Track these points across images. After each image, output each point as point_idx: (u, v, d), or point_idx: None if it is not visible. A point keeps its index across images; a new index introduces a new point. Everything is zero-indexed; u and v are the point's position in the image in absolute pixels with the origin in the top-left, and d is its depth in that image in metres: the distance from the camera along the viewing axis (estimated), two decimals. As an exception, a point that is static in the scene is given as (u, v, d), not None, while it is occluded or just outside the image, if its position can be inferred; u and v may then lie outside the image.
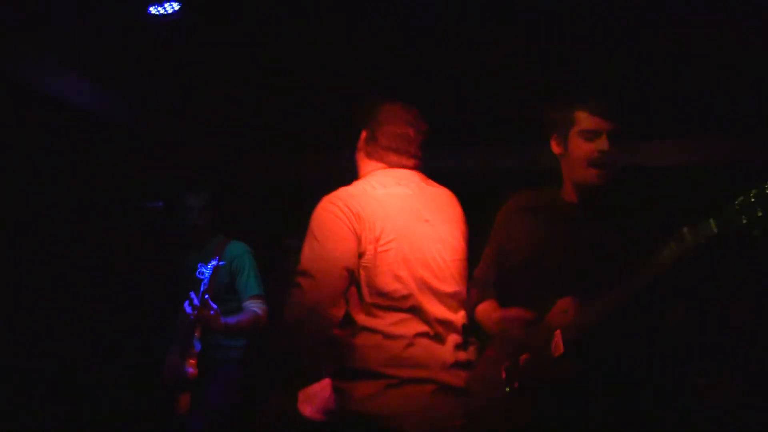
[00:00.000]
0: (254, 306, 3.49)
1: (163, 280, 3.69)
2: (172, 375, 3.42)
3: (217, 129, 4.60)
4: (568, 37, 3.50)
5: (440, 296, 2.31)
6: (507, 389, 2.19)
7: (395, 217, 2.27)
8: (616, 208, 2.24)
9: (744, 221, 1.81)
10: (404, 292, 2.25)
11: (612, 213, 2.23)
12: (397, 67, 3.79)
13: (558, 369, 2.08)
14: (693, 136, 4.49)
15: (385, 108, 2.44)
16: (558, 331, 2.09)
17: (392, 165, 2.39)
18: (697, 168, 4.48)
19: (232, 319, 3.37)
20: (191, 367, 3.34)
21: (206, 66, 3.73)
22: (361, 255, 2.22)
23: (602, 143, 2.18)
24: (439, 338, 2.28)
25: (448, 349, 2.28)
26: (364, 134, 2.45)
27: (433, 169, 2.47)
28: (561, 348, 2.07)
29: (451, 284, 2.34)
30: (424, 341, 2.25)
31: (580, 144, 2.22)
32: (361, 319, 2.24)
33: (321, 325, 2.17)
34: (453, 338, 2.30)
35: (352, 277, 2.21)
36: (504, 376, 2.21)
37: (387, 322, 2.24)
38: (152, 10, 3.07)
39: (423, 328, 2.26)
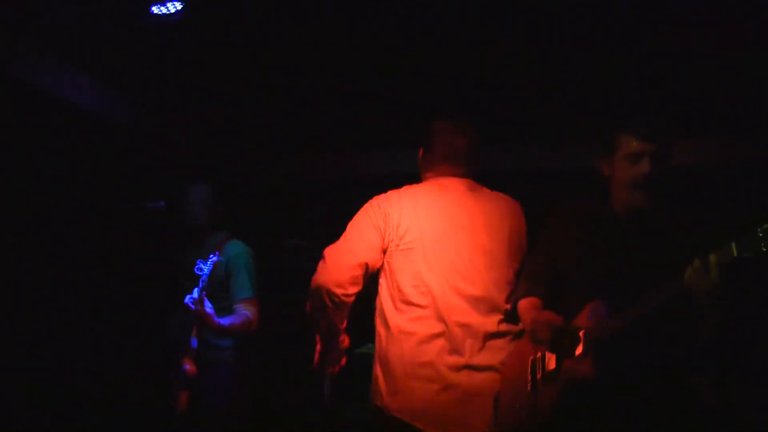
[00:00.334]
0: (245, 310, 3.44)
1: (163, 279, 3.68)
2: (172, 372, 3.41)
3: (218, 129, 4.60)
4: (569, 36, 3.51)
5: (468, 299, 2.43)
6: (529, 384, 2.28)
7: (425, 221, 2.48)
8: (664, 225, 2.32)
9: (764, 248, 1.88)
10: (422, 290, 2.43)
11: (659, 230, 2.31)
12: (401, 67, 3.79)
13: (577, 368, 2.16)
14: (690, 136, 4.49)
15: (435, 125, 2.70)
16: (581, 332, 2.18)
17: (442, 174, 2.62)
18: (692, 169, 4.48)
19: (225, 321, 3.34)
20: (188, 365, 3.33)
21: (208, 66, 3.73)
22: (385, 251, 2.48)
23: (644, 166, 2.24)
24: (455, 340, 2.39)
25: (462, 351, 2.39)
26: (420, 150, 2.72)
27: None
28: (580, 348, 2.15)
29: (481, 289, 2.46)
30: (439, 341, 2.39)
31: (625, 167, 2.28)
32: (387, 310, 2.46)
33: (325, 299, 2.44)
34: (472, 342, 2.40)
35: (374, 270, 2.48)
36: (529, 370, 2.31)
37: (406, 317, 2.43)
38: (155, 9, 3.07)
39: (439, 328, 2.40)
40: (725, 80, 3.81)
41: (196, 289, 3.22)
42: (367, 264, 2.47)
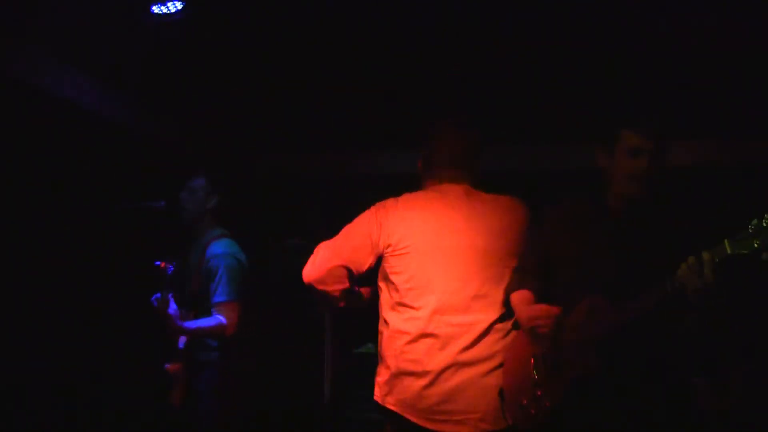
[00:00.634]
0: (219, 313, 3.34)
1: (162, 279, 3.67)
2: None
3: (218, 129, 4.60)
4: (568, 36, 3.51)
5: (462, 299, 2.56)
6: (534, 380, 2.38)
7: (421, 226, 2.61)
8: (659, 217, 2.44)
9: (756, 245, 2.00)
10: (417, 292, 2.57)
11: (655, 221, 2.42)
12: (401, 67, 3.79)
13: (580, 363, 2.28)
14: (691, 136, 4.49)
15: (432, 131, 2.80)
16: (581, 327, 2.30)
17: (440, 180, 2.73)
18: (691, 169, 4.49)
19: (191, 324, 3.30)
20: (168, 364, 3.35)
21: (208, 65, 3.73)
22: (380, 256, 2.62)
23: (643, 161, 2.37)
24: (447, 337, 2.53)
25: (453, 348, 2.52)
26: (420, 159, 2.84)
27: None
28: (582, 343, 2.27)
29: (475, 288, 2.57)
30: (429, 339, 2.54)
31: (623, 161, 2.41)
32: (386, 312, 2.63)
33: (312, 291, 2.67)
34: (465, 339, 2.53)
35: (359, 272, 2.65)
36: (533, 366, 2.40)
37: (402, 317, 2.59)
38: (155, 9, 3.07)
39: (432, 327, 2.54)
40: (725, 80, 3.81)
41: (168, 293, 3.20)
42: (349, 266, 2.64)
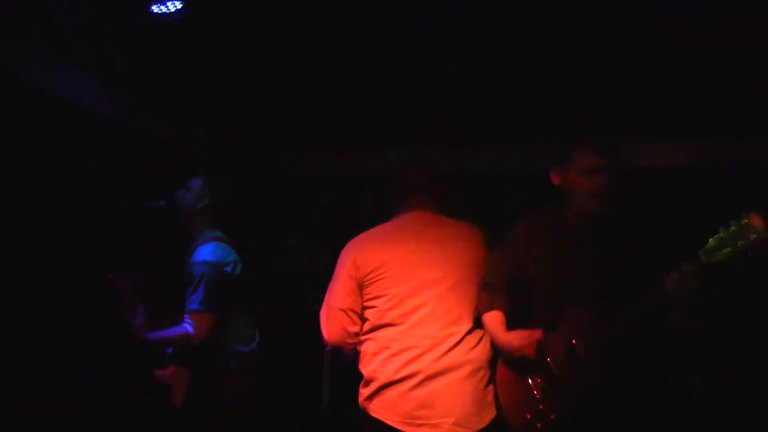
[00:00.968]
0: (187, 322, 3.28)
1: (162, 278, 3.67)
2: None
3: (218, 129, 4.60)
4: (568, 35, 3.51)
5: (438, 314, 2.78)
6: (535, 395, 2.51)
7: (392, 253, 2.86)
8: (624, 228, 2.54)
9: (728, 251, 2.09)
10: (396, 311, 2.80)
11: (620, 233, 2.52)
12: (400, 68, 3.79)
13: (579, 374, 2.40)
14: (691, 136, 4.49)
15: (400, 173, 3.08)
16: (574, 341, 2.41)
17: (407, 210, 2.99)
18: (692, 169, 4.49)
19: (155, 334, 3.28)
20: (162, 370, 3.36)
21: (208, 65, 3.73)
22: (361, 286, 2.88)
23: (599, 178, 2.48)
24: (424, 349, 2.74)
25: (429, 359, 2.73)
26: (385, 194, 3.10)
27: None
28: (579, 355, 2.39)
29: (451, 304, 2.79)
30: (407, 353, 2.76)
31: (579, 179, 2.53)
32: (367, 334, 2.87)
33: (342, 351, 2.98)
34: (440, 349, 2.74)
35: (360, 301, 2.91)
36: (530, 383, 2.54)
37: (384, 335, 2.81)
38: (155, 9, 3.07)
39: (409, 341, 2.76)
40: (725, 80, 3.81)
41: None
42: (353, 308, 2.91)
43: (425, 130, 4.40)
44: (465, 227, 2.98)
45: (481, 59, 3.72)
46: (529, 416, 2.49)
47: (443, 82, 3.95)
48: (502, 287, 2.72)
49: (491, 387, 2.73)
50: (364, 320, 2.91)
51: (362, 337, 2.89)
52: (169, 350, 3.35)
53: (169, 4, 3.04)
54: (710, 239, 2.12)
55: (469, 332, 2.77)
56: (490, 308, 2.73)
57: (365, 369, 2.85)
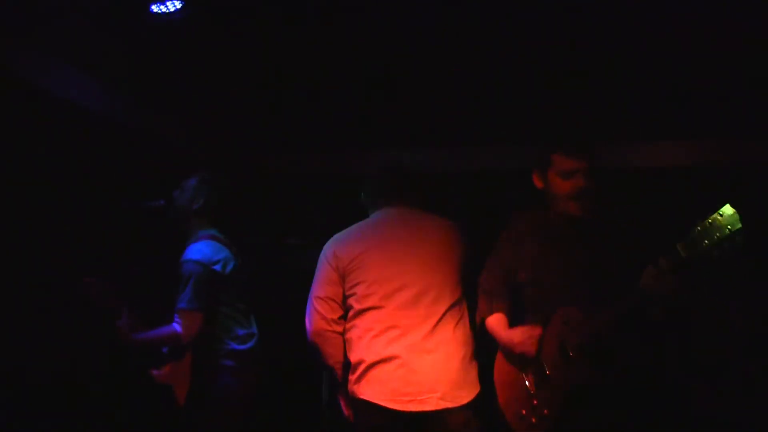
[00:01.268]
0: (175, 321, 3.26)
1: (162, 278, 3.67)
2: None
3: (218, 128, 4.60)
4: (568, 35, 3.51)
5: (414, 297, 2.88)
6: (530, 392, 2.61)
7: (369, 243, 2.98)
8: (604, 228, 2.62)
9: (705, 244, 2.16)
10: (377, 295, 2.89)
11: (600, 233, 2.60)
12: (401, 67, 3.80)
13: (569, 372, 2.49)
14: (691, 136, 4.50)
15: (373, 174, 3.21)
16: (562, 341, 2.51)
17: (381, 207, 3.12)
18: (680, 170, 4.50)
19: (141, 335, 3.28)
20: (158, 369, 3.34)
21: (208, 65, 3.73)
22: (343, 276, 2.97)
23: (578, 180, 2.57)
24: (407, 328, 2.84)
25: (413, 338, 2.83)
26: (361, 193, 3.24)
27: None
28: (569, 354, 2.47)
29: (420, 286, 2.89)
30: (391, 332, 2.85)
31: (559, 182, 2.61)
32: (351, 322, 2.95)
33: (315, 349, 3.02)
34: (424, 329, 2.84)
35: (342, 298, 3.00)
36: (525, 380, 2.64)
37: (367, 319, 2.90)
38: (155, 8, 3.07)
39: (393, 320, 2.86)
40: (725, 80, 3.82)
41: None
42: (333, 298, 2.99)
43: (425, 130, 4.41)
44: (439, 218, 3.09)
45: (481, 59, 3.72)
46: (524, 411, 2.60)
47: (443, 82, 3.96)
48: (500, 290, 2.81)
49: (474, 364, 2.85)
50: (348, 309, 2.99)
51: (348, 325, 2.97)
52: (165, 350, 3.34)
53: (168, 3, 3.04)
54: (689, 232, 2.20)
55: (450, 312, 2.87)
56: (490, 312, 2.82)
57: (352, 354, 2.93)
